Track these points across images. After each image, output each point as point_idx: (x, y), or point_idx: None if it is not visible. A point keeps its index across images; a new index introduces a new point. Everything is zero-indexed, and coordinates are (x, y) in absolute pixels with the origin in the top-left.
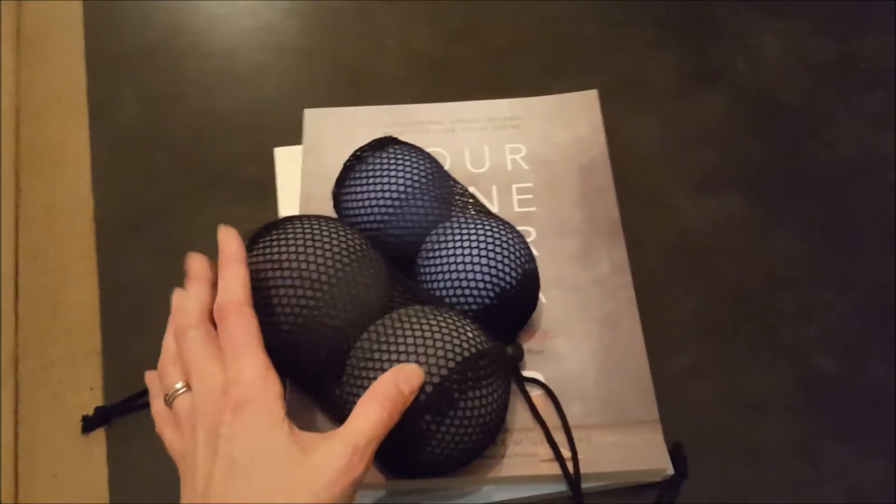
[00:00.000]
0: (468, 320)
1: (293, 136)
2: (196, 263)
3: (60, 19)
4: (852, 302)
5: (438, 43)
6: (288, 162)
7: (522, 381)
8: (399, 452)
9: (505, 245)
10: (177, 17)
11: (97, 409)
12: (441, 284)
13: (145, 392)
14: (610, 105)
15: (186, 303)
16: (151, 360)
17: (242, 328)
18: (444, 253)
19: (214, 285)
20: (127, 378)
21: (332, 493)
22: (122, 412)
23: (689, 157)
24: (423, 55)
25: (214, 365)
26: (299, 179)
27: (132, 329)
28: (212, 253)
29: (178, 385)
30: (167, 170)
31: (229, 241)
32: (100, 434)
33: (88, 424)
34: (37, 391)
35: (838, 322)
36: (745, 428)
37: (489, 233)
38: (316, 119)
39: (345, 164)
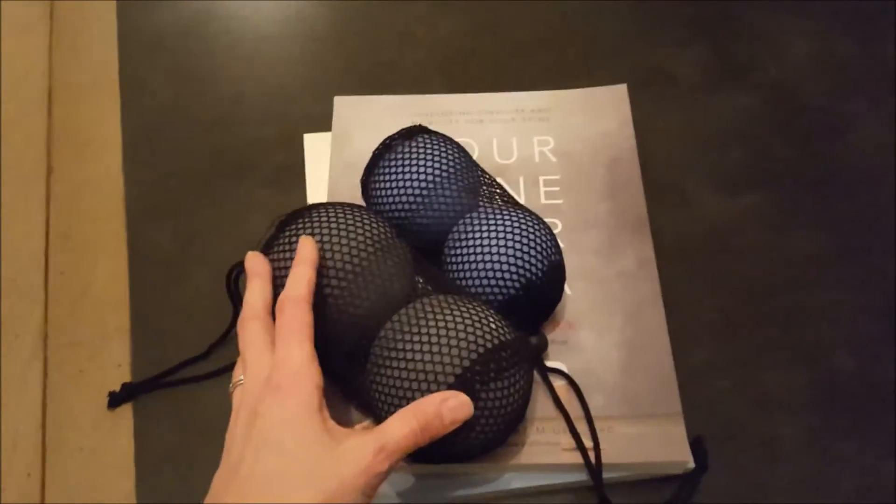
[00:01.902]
0: (492, 311)
1: (321, 122)
2: (255, 262)
3: (94, 2)
4: (873, 301)
5: (467, 34)
6: (317, 148)
7: (546, 372)
8: None
9: (532, 236)
10: (209, 2)
11: (124, 386)
12: (467, 274)
13: (171, 370)
14: (636, 100)
15: (250, 298)
16: (179, 338)
17: (296, 319)
18: (470, 243)
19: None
20: (154, 356)
21: (356, 484)
22: (148, 389)
23: (715, 154)
24: (452, 46)
25: (265, 354)
26: (328, 166)
27: (160, 308)
28: (239, 234)
29: (241, 377)
30: (197, 152)
31: (304, 246)
32: (126, 409)
33: (114, 400)
34: (65, 367)
35: (858, 321)
36: (762, 424)
37: (516, 223)
38: (346, 106)
39: (374, 153)
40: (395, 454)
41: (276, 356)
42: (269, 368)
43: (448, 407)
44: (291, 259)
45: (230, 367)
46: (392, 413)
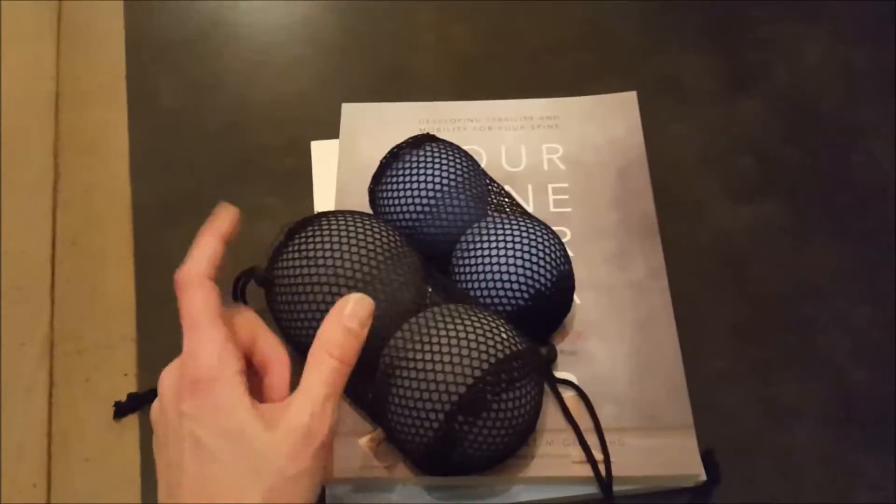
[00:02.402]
0: (503, 320)
1: (329, 129)
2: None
3: (101, 5)
4: (887, 312)
5: (476, 41)
6: (324, 156)
7: (555, 383)
8: (432, 451)
9: (541, 245)
10: (216, 8)
11: (129, 396)
12: (476, 284)
13: None
14: (646, 107)
15: None
16: None
17: (196, 301)
18: (479, 252)
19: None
20: (161, 363)
21: (297, 465)
22: (154, 399)
23: (727, 162)
24: (461, 53)
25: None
26: (335, 173)
27: (167, 315)
28: (246, 240)
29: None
30: (204, 158)
31: (218, 215)
32: (133, 419)
33: (121, 410)
34: (71, 375)
35: (873, 332)
36: (776, 436)
37: (525, 233)
38: (353, 114)
39: (382, 161)
40: (328, 407)
41: (185, 347)
42: (179, 358)
43: (348, 316)
44: (302, 267)
45: None
46: (401, 422)
